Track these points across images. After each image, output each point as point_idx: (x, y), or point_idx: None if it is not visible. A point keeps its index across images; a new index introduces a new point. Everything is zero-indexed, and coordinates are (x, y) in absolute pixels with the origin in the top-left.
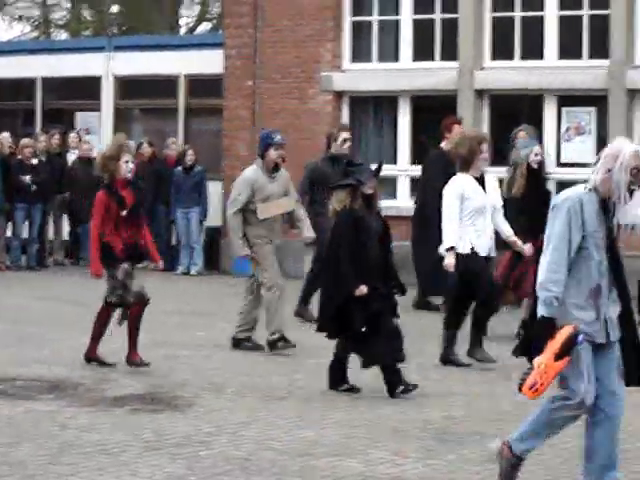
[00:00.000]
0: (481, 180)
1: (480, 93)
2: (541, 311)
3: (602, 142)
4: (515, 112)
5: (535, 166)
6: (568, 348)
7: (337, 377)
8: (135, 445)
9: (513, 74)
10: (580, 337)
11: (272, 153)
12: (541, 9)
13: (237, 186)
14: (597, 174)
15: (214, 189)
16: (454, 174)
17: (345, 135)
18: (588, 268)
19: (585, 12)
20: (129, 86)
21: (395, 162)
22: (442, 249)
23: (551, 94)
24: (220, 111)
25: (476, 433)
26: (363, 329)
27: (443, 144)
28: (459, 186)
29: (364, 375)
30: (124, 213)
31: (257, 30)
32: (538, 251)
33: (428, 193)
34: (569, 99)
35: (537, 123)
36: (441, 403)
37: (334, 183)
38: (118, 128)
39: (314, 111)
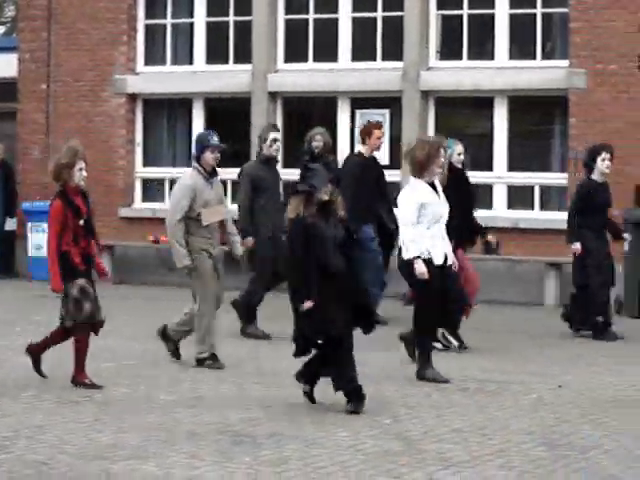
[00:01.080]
0: (432, 186)
1: (274, 95)
2: None
3: (396, 143)
4: (309, 114)
5: (459, 165)
6: None
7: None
8: None
9: (306, 76)
10: None
11: (209, 156)
12: (335, 11)
13: (177, 193)
14: None
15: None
16: (379, 178)
17: (273, 135)
18: None
19: (379, 14)
20: None
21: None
22: (405, 257)
23: (345, 96)
24: (15, 115)
25: (273, 434)
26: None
27: (363, 149)
28: (418, 193)
29: (161, 380)
30: (82, 222)
31: (51, 33)
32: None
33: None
34: (363, 101)
35: (331, 125)
36: (238, 405)
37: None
38: None
39: (108, 114)
